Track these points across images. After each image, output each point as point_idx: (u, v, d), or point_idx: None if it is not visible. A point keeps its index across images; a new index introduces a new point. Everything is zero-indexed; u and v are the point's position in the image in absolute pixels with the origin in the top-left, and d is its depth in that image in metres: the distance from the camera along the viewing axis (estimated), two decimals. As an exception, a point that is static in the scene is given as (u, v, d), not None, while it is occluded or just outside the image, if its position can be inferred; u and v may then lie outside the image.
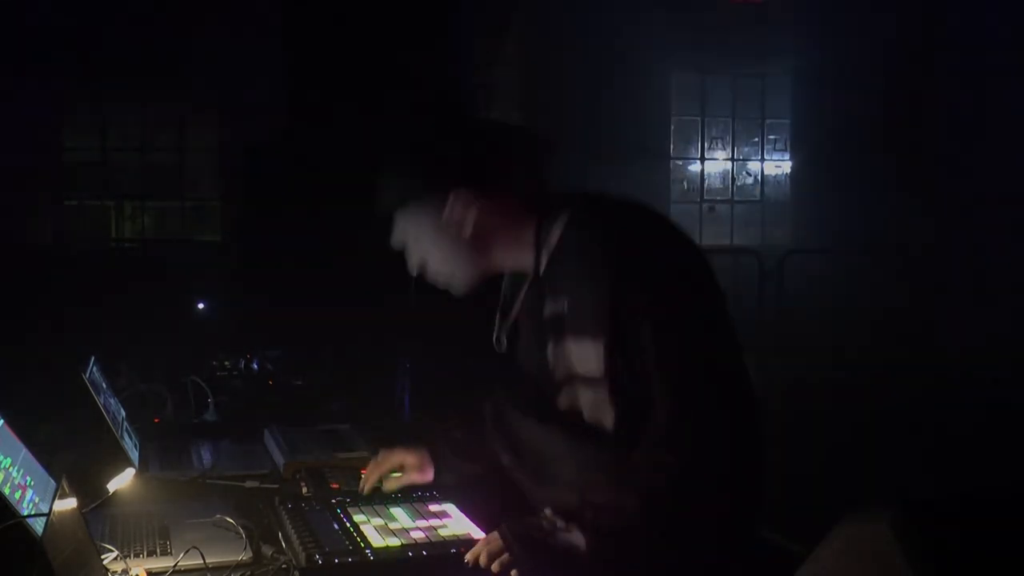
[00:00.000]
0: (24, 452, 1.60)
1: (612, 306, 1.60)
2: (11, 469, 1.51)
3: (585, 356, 1.66)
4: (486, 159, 1.77)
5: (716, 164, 11.63)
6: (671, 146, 11.34)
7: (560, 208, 1.75)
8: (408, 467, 2.06)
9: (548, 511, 1.65)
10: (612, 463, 1.65)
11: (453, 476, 2.05)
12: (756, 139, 11.75)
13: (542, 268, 1.75)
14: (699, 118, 11.53)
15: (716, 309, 1.69)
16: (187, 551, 1.66)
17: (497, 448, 1.88)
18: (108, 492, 1.97)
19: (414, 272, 1.84)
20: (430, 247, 1.79)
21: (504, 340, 1.86)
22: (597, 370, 1.64)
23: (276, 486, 2.16)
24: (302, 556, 1.61)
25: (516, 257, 1.78)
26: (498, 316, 1.88)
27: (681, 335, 1.62)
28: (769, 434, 1.64)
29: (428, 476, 2.05)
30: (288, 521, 1.77)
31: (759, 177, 11.74)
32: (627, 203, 1.77)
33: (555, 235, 1.73)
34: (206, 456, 2.41)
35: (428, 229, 1.77)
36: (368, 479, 2.03)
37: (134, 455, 2.24)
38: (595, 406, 1.68)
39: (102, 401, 2.20)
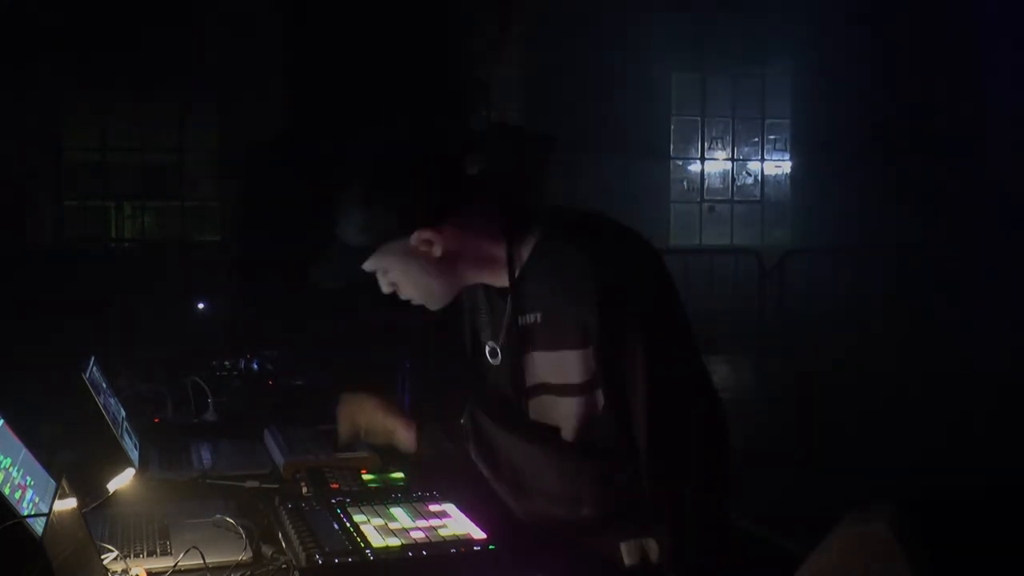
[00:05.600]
0: (24, 452, 1.60)
1: (598, 317, 1.65)
2: (11, 469, 1.51)
3: (563, 366, 1.72)
4: (442, 201, 1.76)
5: (716, 164, 11.62)
6: (671, 146, 11.34)
7: (529, 223, 1.78)
8: (396, 432, 2.13)
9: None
10: (593, 471, 1.73)
11: (433, 451, 2.09)
12: (756, 139, 11.75)
13: (515, 282, 1.78)
14: (699, 118, 11.53)
15: (682, 310, 1.75)
16: (187, 551, 1.66)
17: (476, 460, 1.90)
18: (108, 492, 1.97)
19: (386, 291, 1.87)
20: (400, 275, 1.82)
21: (499, 352, 1.87)
22: (575, 378, 1.70)
23: (276, 486, 2.15)
24: (302, 556, 1.61)
25: (486, 273, 1.82)
26: (489, 329, 1.89)
27: (664, 341, 1.69)
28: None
29: (412, 445, 2.11)
30: (288, 521, 1.77)
31: (759, 177, 11.74)
32: (590, 214, 1.81)
33: (526, 250, 1.77)
34: (206, 456, 2.40)
35: (396, 258, 1.80)
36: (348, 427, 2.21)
37: (134, 455, 2.24)
38: (570, 414, 1.73)
39: (102, 401, 2.20)
